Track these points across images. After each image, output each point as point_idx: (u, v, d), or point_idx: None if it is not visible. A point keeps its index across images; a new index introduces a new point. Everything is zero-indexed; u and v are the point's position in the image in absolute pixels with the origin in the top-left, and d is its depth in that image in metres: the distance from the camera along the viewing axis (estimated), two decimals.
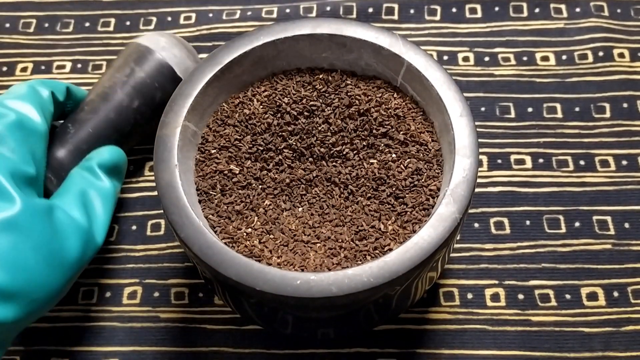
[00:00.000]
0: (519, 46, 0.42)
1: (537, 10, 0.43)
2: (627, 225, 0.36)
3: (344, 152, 0.31)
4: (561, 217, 0.36)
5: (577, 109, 0.40)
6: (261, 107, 0.32)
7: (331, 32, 0.32)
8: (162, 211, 0.32)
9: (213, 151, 0.31)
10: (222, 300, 0.33)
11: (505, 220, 0.36)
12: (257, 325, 0.33)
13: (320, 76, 0.33)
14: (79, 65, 0.43)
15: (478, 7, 0.44)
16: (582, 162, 0.38)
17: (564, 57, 0.42)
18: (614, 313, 0.34)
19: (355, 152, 0.31)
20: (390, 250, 0.28)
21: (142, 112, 0.36)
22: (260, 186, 0.31)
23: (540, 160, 0.38)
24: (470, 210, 0.37)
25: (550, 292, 0.34)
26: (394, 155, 0.31)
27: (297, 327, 0.31)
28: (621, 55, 0.41)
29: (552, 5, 0.44)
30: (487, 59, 0.42)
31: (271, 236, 0.29)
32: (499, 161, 0.38)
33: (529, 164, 0.38)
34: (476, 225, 0.36)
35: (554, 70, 0.41)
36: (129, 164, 0.38)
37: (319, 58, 0.33)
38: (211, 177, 0.31)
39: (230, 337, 0.34)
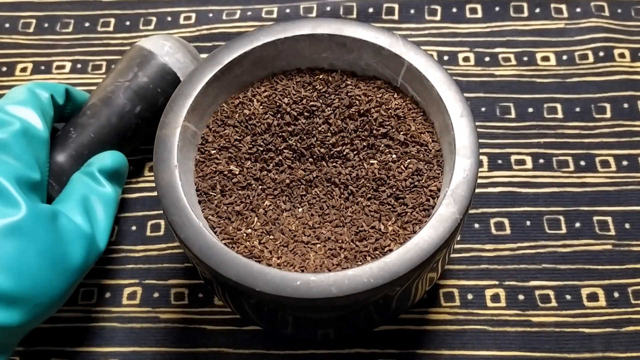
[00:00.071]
0: (519, 46, 0.42)
1: (537, 10, 0.43)
2: (627, 225, 0.36)
3: (344, 153, 0.31)
4: (562, 218, 0.36)
5: (577, 109, 0.40)
6: (261, 107, 0.32)
7: (331, 32, 0.32)
8: (162, 212, 0.32)
9: (213, 152, 0.31)
10: (222, 301, 0.33)
11: (506, 221, 0.36)
12: (257, 325, 0.33)
13: (320, 76, 0.33)
14: (79, 66, 0.43)
15: (478, 7, 0.44)
16: (582, 163, 0.38)
17: (564, 57, 0.41)
18: (614, 314, 0.34)
19: (355, 152, 0.31)
20: (391, 251, 0.28)
21: (144, 117, 0.36)
22: (260, 187, 0.31)
23: (541, 161, 0.38)
24: (471, 211, 0.37)
25: (551, 293, 0.34)
26: (394, 156, 0.31)
27: (297, 327, 0.31)
28: (622, 55, 0.41)
29: (552, 5, 0.43)
30: (487, 59, 0.42)
31: (271, 237, 0.29)
32: (500, 161, 0.38)
33: (529, 164, 0.38)
34: (476, 225, 0.36)
35: (554, 71, 0.41)
36: (129, 165, 0.38)
37: (319, 58, 0.33)
38: (211, 177, 0.31)
39: (230, 338, 0.34)
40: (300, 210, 0.30)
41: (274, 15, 0.44)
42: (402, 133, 0.31)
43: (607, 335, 0.33)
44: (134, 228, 0.37)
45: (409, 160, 0.30)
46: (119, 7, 0.45)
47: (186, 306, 0.35)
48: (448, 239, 0.27)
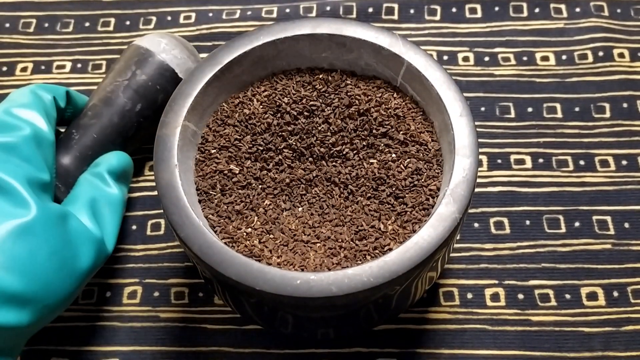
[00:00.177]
0: (519, 46, 0.42)
1: (537, 10, 0.43)
2: (626, 225, 0.36)
3: (344, 152, 0.31)
4: (561, 217, 0.36)
5: (577, 109, 0.40)
6: (261, 107, 0.32)
7: (331, 32, 0.32)
8: (162, 211, 0.32)
9: (213, 151, 0.31)
10: (222, 300, 0.33)
11: (505, 220, 0.36)
12: (257, 325, 0.33)
13: (320, 76, 0.33)
14: (79, 65, 0.43)
15: (478, 7, 0.44)
16: (582, 162, 0.38)
17: (563, 57, 0.42)
18: (613, 313, 0.34)
19: (355, 152, 0.31)
20: (390, 250, 0.28)
21: (145, 115, 0.36)
22: (260, 186, 0.31)
23: (540, 160, 0.38)
24: (470, 210, 0.37)
25: (550, 292, 0.34)
26: (393, 155, 0.31)
27: (297, 326, 0.31)
28: (621, 55, 0.41)
29: (552, 5, 0.44)
30: (487, 59, 0.42)
31: (271, 236, 0.29)
32: (499, 161, 0.38)
33: (528, 163, 0.38)
34: (476, 225, 0.36)
35: (554, 70, 0.41)
36: None
37: (319, 58, 0.33)
38: (211, 177, 0.31)
39: (230, 337, 0.34)
40: (300, 209, 0.30)
41: (274, 15, 0.44)
42: (401, 132, 0.31)
43: (606, 335, 0.33)
44: (134, 227, 0.37)
45: (408, 160, 0.30)
46: (119, 7, 0.45)
47: (186, 305, 0.35)
48: (448, 238, 0.27)
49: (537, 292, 0.34)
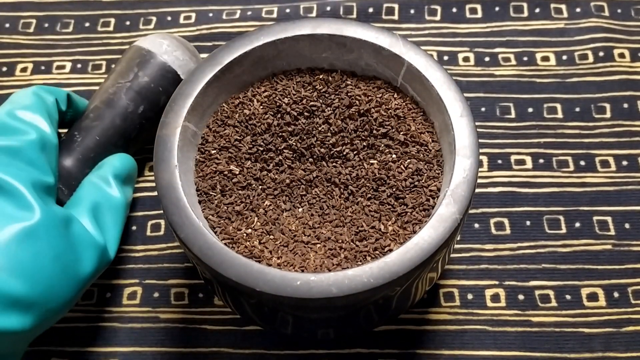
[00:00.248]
0: (519, 46, 0.42)
1: (537, 10, 0.43)
2: (627, 225, 0.36)
3: (344, 153, 0.31)
4: (561, 218, 0.36)
5: (577, 109, 0.40)
6: (261, 107, 0.32)
7: (331, 32, 0.32)
8: (162, 211, 0.32)
9: (213, 151, 0.31)
10: (222, 301, 0.33)
11: (506, 221, 0.36)
12: (257, 325, 0.33)
13: (320, 76, 0.33)
14: (79, 65, 0.43)
15: (478, 7, 0.44)
16: (582, 163, 0.38)
17: (564, 57, 0.42)
18: (614, 314, 0.34)
19: (355, 152, 0.31)
20: (391, 250, 0.28)
21: (148, 117, 0.36)
22: (260, 187, 0.31)
23: (541, 161, 0.38)
24: (471, 211, 0.37)
25: (551, 293, 0.34)
26: (394, 156, 0.31)
27: (297, 327, 0.31)
28: (621, 55, 0.41)
29: (552, 5, 0.44)
30: (487, 59, 0.42)
31: (271, 237, 0.29)
32: (499, 161, 0.38)
33: (529, 164, 0.38)
34: (476, 225, 0.36)
35: (554, 71, 0.41)
36: None
37: (319, 58, 0.33)
38: (211, 177, 0.31)
39: (230, 338, 0.34)
40: (300, 210, 0.30)
41: (274, 15, 0.44)
42: (402, 133, 0.31)
43: (606, 335, 0.33)
44: (134, 228, 0.37)
45: (409, 160, 0.30)
46: (119, 7, 0.45)
47: (186, 306, 0.35)
48: (448, 238, 0.27)
49: (537, 292, 0.34)
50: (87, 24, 0.44)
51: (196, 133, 0.31)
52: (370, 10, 0.44)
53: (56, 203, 0.31)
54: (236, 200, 0.30)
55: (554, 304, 0.34)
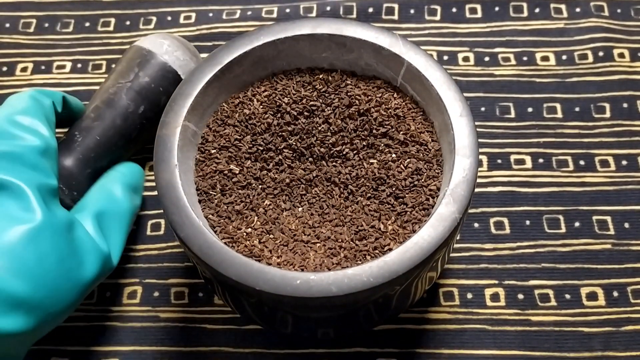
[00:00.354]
0: (519, 46, 0.42)
1: (537, 10, 0.43)
2: (626, 225, 0.36)
3: (344, 152, 0.31)
4: (561, 217, 0.36)
5: (577, 109, 0.40)
6: (261, 107, 0.32)
7: (331, 32, 0.32)
8: (162, 211, 0.32)
9: (213, 151, 0.31)
10: (222, 300, 0.33)
11: (505, 220, 0.36)
12: (257, 325, 0.33)
13: (320, 76, 0.33)
14: (79, 65, 0.43)
15: (478, 7, 0.44)
16: (582, 162, 0.38)
17: (564, 57, 0.42)
18: (613, 313, 0.34)
19: (355, 152, 0.31)
20: (390, 250, 0.28)
21: (148, 117, 0.36)
22: (260, 186, 0.31)
23: (540, 160, 0.38)
24: (470, 210, 0.37)
25: (550, 292, 0.34)
26: (393, 155, 0.31)
27: (297, 326, 0.31)
28: (621, 55, 0.41)
29: (552, 5, 0.44)
30: (487, 59, 0.42)
31: (271, 236, 0.29)
32: (499, 161, 0.38)
33: (528, 164, 0.38)
34: (476, 225, 0.36)
35: (554, 70, 0.41)
36: None
37: (319, 58, 0.33)
38: (211, 177, 0.31)
39: (230, 337, 0.34)
40: (300, 209, 0.30)
41: (274, 15, 0.44)
42: (401, 132, 0.31)
43: (606, 335, 0.33)
44: (134, 227, 0.37)
45: (408, 160, 0.30)
46: (119, 7, 0.45)
47: (186, 305, 0.35)
48: (447, 238, 0.27)
49: (537, 292, 0.34)
50: (87, 24, 0.44)
51: (196, 133, 0.31)
52: (370, 10, 0.44)
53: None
54: (236, 200, 0.30)
55: (553, 303, 0.34)
